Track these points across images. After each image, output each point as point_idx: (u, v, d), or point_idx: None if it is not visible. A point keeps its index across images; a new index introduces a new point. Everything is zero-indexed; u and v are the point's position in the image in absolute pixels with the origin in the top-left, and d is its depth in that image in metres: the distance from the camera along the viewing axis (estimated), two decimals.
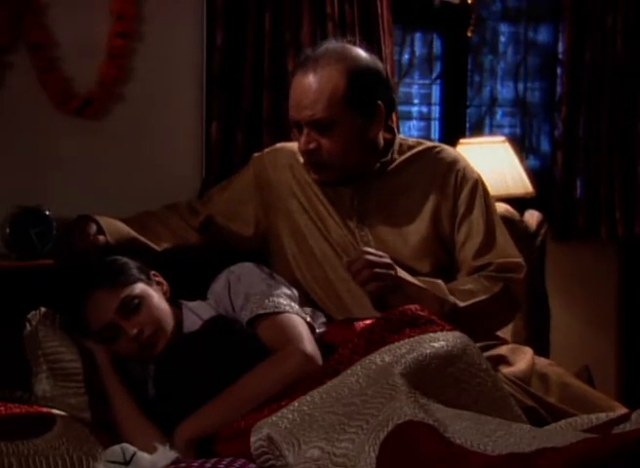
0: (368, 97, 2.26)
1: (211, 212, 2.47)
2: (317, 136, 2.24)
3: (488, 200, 2.36)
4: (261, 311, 2.02)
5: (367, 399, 1.64)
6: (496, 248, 2.29)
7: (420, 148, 2.40)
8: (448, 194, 2.33)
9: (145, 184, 2.66)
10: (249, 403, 1.84)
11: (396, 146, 2.38)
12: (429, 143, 2.46)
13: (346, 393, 1.70)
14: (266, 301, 2.04)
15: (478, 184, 2.35)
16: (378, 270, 2.10)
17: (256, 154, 2.53)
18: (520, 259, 2.30)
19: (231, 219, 2.46)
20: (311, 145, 2.25)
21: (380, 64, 2.34)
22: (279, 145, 2.50)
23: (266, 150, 2.53)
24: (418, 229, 2.32)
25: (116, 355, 2.06)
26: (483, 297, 2.20)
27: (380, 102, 2.28)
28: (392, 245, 2.31)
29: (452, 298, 2.17)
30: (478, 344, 1.96)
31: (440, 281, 2.21)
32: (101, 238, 2.28)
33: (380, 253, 2.14)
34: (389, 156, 2.35)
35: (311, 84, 2.22)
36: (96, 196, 2.58)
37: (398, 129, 3.05)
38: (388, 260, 2.14)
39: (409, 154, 2.38)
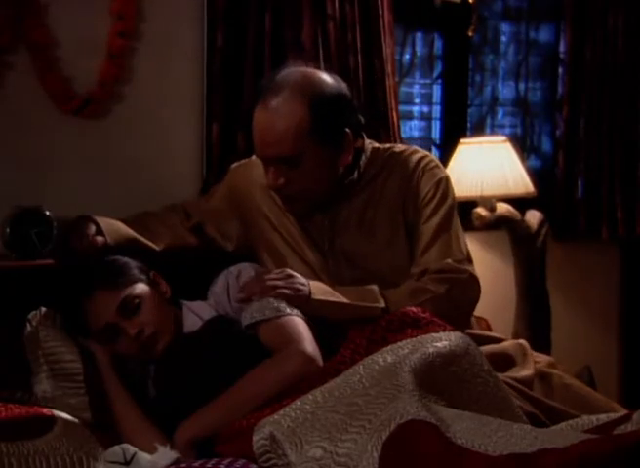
0: (334, 127, 2.16)
1: (199, 219, 2.47)
2: (286, 171, 2.16)
3: (448, 200, 2.26)
4: (262, 317, 2.02)
5: (370, 399, 1.64)
6: (432, 252, 2.20)
7: (388, 153, 2.32)
8: (413, 194, 2.26)
9: (146, 184, 2.66)
10: (249, 403, 1.83)
11: (363, 160, 2.27)
12: (401, 147, 2.37)
13: (349, 393, 1.69)
14: (266, 306, 2.03)
15: (441, 183, 2.26)
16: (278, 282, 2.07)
17: (233, 165, 2.49)
18: (457, 265, 2.20)
19: (217, 231, 2.45)
20: (280, 181, 2.17)
21: (343, 87, 2.22)
22: (254, 159, 2.34)
23: (242, 163, 2.48)
24: (393, 242, 2.25)
25: (117, 355, 2.05)
26: (422, 299, 2.11)
27: (347, 130, 2.18)
28: (365, 265, 2.24)
29: (383, 304, 2.11)
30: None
31: (373, 286, 2.15)
32: (100, 239, 2.28)
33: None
34: (355, 175, 2.26)
35: (274, 121, 2.11)
36: (96, 196, 2.58)
37: (399, 129, 3.05)
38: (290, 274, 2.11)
39: (378, 163, 2.29)
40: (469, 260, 2.26)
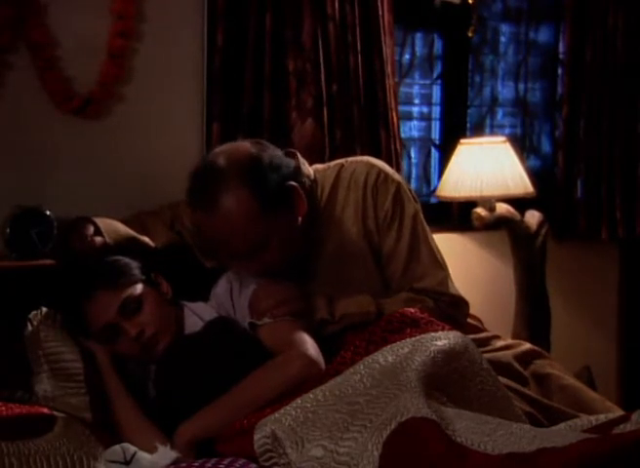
0: (279, 193, 2.05)
1: (180, 228, 2.45)
2: (256, 257, 2.06)
3: (408, 211, 2.19)
4: (264, 321, 2.02)
5: (371, 399, 1.64)
6: (415, 272, 2.16)
7: (332, 177, 2.23)
8: (372, 215, 2.19)
9: (145, 184, 2.66)
10: (250, 405, 1.82)
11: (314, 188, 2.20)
12: (339, 163, 2.28)
13: (350, 392, 1.70)
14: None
15: (397, 195, 2.18)
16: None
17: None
18: (439, 288, 2.16)
19: (195, 247, 2.42)
20: (256, 269, 2.09)
21: (267, 151, 2.08)
22: None
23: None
24: (361, 267, 2.19)
25: (117, 355, 2.05)
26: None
27: (290, 184, 2.08)
28: (342, 291, 2.16)
29: (373, 313, 2.08)
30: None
31: (367, 297, 2.11)
32: (99, 239, 2.27)
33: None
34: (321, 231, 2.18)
35: (227, 222, 2.01)
36: (96, 196, 2.58)
37: (399, 129, 3.05)
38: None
39: (326, 190, 2.22)
40: (444, 267, 2.22)
